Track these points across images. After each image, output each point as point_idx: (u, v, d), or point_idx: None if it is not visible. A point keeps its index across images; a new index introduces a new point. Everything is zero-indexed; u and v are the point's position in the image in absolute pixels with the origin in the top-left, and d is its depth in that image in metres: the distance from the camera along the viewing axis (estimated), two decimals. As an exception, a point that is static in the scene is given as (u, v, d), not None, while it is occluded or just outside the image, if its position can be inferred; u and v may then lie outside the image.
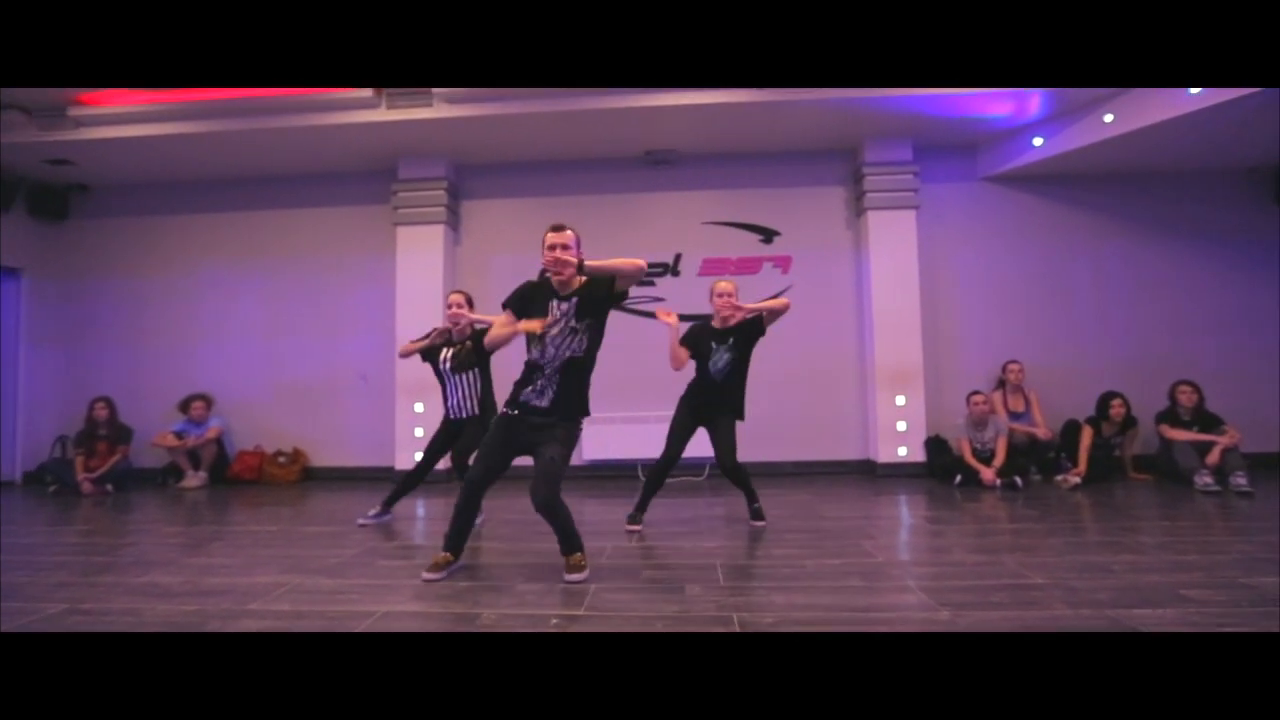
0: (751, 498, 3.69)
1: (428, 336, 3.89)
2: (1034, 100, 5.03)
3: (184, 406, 5.79)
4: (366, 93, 4.96)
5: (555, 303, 2.68)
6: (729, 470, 3.56)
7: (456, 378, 3.78)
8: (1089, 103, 4.98)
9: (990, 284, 5.82)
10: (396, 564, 3.01)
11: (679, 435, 3.59)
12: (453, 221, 5.98)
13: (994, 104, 5.09)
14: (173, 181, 6.22)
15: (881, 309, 5.59)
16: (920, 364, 5.55)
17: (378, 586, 2.62)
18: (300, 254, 6.18)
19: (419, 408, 5.69)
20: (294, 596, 2.49)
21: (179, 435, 5.68)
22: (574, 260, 2.60)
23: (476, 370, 3.79)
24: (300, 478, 5.88)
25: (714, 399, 3.58)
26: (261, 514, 4.38)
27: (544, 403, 2.66)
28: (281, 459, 5.91)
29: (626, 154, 5.90)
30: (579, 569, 2.66)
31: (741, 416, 3.63)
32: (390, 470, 5.74)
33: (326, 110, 5.09)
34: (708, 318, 3.72)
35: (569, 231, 2.68)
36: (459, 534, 2.75)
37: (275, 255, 6.20)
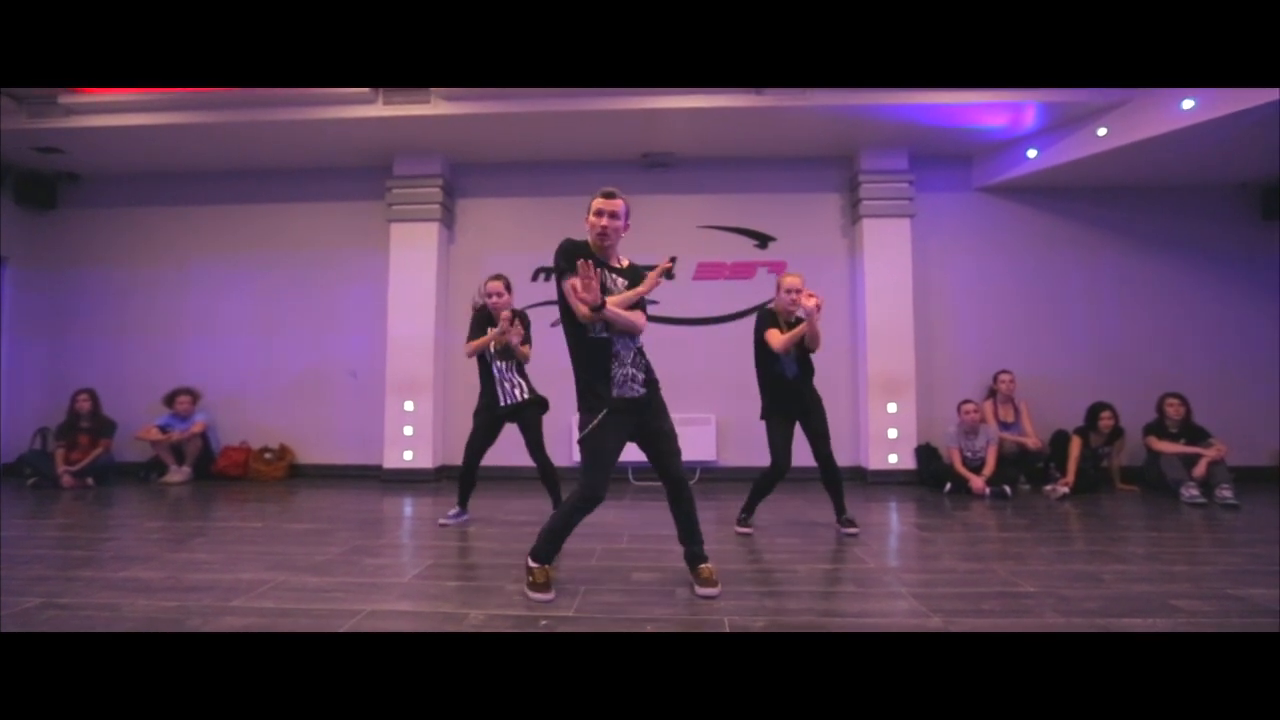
0: (840, 506, 3.59)
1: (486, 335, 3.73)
2: (1029, 112, 5.07)
3: (169, 400, 5.71)
4: (363, 88, 4.93)
5: (607, 274, 2.48)
6: (829, 459, 3.48)
7: (501, 363, 3.71)
8: (1083, 116, 5.03)
9: (982, 293, 5.86)
10: (383, 563, 2.96)
11: (784, 445, 3.46)
12: (447, 220, 5.94)
13: (989, 115, 5.12)
14: (164, 172, 6.14)
15: (875, 316, 5.60)
16: (912, 372, 5.57)
17: (364, 585, 2.58)
18: (292, 249, 6.12)
19: (409, 406, 5.64)
20: (278, 594, 2.45)
21: (163, 429, 5.60)
22: (620, 229, 2.47)
23: (516, 361, 3.74)
24: (286, 474, 5.81)
25: (799, 390, 3.51)
26: (246, 510, 4.31)
27: (638, 392, 2.47)
28: (268, 455, 5.83)
29: (623, 156, 5.89)
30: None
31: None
32: (378, 469, 5.69)
33: (322, 105, 5.05)
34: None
35: (620, 200, 2.46)
36: (559, 547, 2.53)
37: (267, 249, 6.14)
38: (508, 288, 3.75)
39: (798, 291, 3.43)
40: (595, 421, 2.42)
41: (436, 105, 5.04)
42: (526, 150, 5.78)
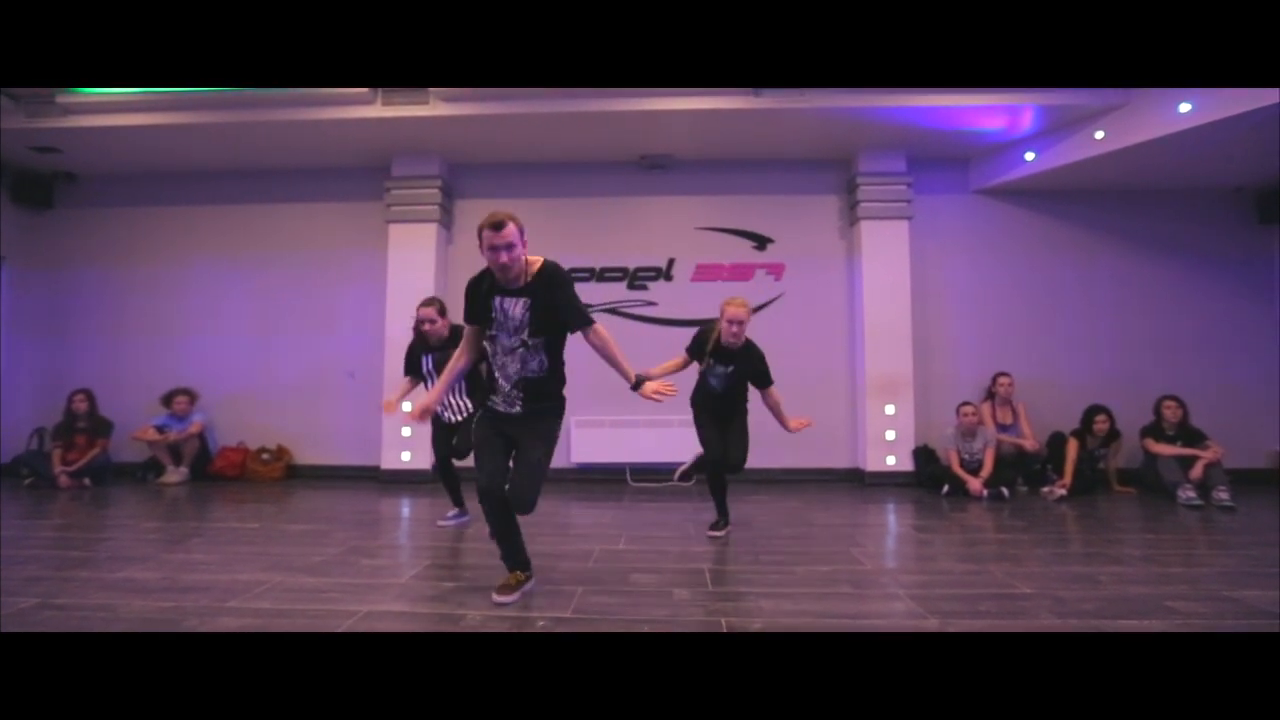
0: (722, 508, 3.60)
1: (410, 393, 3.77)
2: (1026, 115, 5.08)
3: (166, 400, 5.69)
4: (362, 89, 4.92)
5: (499, 300, 2.32)
6: (736, 467, 3.47)
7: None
8: (1080, 119, 5.04)
9: (980, 296, 5.87)
10: (380, 563, 2.96)
11: (714, 433, 3.46)
12: (445, 221, 5.94)
13: (987, 118, 5.14)
14: (162, 172, 6.13)
15: (873, 318, 5.61)
16: (910, 374, 5.57)
17: (361, 586, 2.58)
18: (290, 249, 6.11)
19: (406, 407, 5.57)
20: (275, 595, 2.44)
21: (160, 430, 5.59)
22: (523, 260, 2.29)
23: (467, 381, 3.65)
24: (284, 475, 5.80)
25: (721, 406, 3.49)
26: (243, 511, 4.31)
27: (515, 410, 2.40)
28: (265, 456, 5.82)
29: (622, 157, 5.89)
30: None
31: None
32: (375, 469, 5.68)
33: (321, 105, 5.05)
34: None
35: (510, 226, 2.23)
36: (517, 549, 2.47)
37: (264, 250, 6.13)
38: (441, 312, 3.66)
39: (739, 324, 3.31)
40: (475, 419, 2.55)
41: (435, 106, 5.04)
42: (525, 151, 5.78)
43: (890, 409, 5.53)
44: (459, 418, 3.69)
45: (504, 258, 2.25)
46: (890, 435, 5.52)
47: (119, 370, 6.03)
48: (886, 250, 5.65)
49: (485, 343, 2.46)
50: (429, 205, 5.78)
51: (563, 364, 2.47)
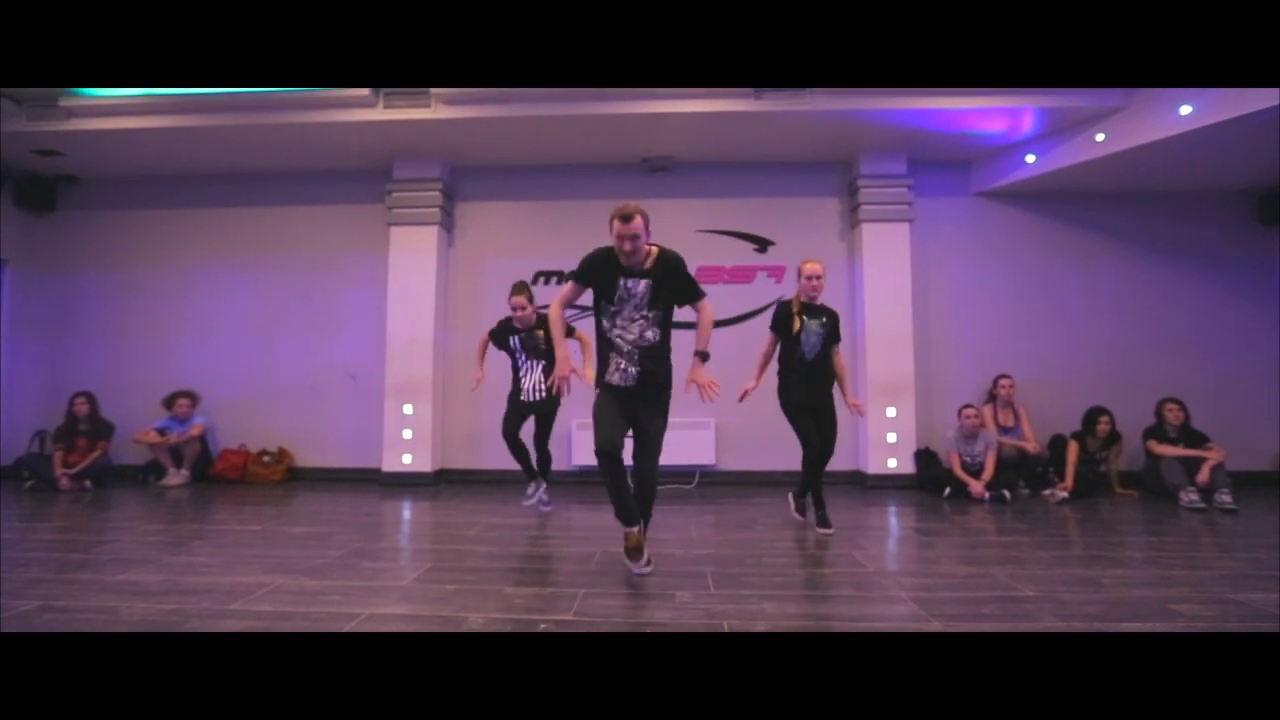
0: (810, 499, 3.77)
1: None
2: (1027, 118, 5.09)
3: (168, 403, 5.70)
4: (363, 91, 4.93)
5: (623, 280, 2.67)
6: (826, 457, 3.65)
7: (530, 361, 3.98)
8: (1081, 122, 5.05)
9: (981, 298, 5.87)
10: (382, 566, 2.96)
11: (808, 429, 3.62)
12: (447, 223, 5.95)
13: (988, 120, 5.14)
14: (164, 175, 6.15)
15: (874, 321, 5.61)
16: (911, 376, 5.57)
17: (362, 588, 2.58)
18: (292, 252, 6.12)
19: (408, 409, 5.63)
20: (276, 597, 2.44)
21: (161, 432, 5.59)
22: (645, 247, 2.63)
23: (545, 360, 3.95)
24: (285, 478, 5.80)
25: (814, 386, 3.61)
26: (244, 513, 4.30)
27: (633, 371, 2.67)
28: (266, 458, 5.82)
29: (623, 160, 5.90)
30: (639, 554, 2.67)
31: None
32: (376, 472, 5.67)
33: (322, 108, 5.05)
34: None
35: (637, 219, 2.59)
36: (629, 505, 2.68)
37: (266, 252, 6.14)
38: (529, 300, 3.98)
39: (818, 278, 3.59)
40: (596, 396, 2.78)
41: (437, 109, 5.05)
42: (526, 154, 5.79)
43: (891, 411, 5.53)
44: (533, 398, 3.98)
45: (628, 246, 2.60)
46: (891, 438, 5.51)
47: (120, 373, 6.03)
48: (887, 253, 5.65)
49: (604, 317, 2.72)
50: (430, 208, 5.78)
51: (670, 335, 2.77)
